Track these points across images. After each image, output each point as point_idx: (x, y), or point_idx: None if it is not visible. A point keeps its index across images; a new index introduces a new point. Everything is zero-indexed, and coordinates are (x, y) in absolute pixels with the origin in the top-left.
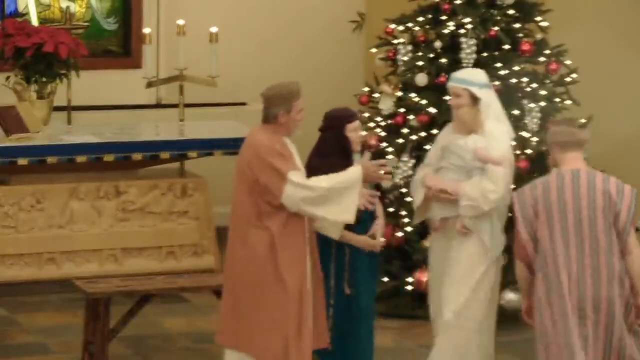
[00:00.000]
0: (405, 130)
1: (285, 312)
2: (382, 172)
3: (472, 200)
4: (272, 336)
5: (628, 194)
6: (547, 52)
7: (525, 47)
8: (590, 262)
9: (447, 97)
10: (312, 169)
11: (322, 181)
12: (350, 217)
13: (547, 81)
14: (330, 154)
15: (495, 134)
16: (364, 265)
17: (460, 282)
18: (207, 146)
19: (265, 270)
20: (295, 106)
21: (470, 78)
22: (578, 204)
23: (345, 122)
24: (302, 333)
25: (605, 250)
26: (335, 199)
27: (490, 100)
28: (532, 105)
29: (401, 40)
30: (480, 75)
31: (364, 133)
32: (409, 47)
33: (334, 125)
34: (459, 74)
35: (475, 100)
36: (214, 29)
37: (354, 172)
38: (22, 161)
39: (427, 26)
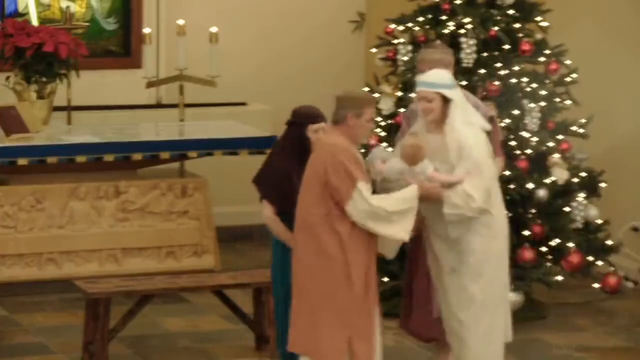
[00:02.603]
0: None
1: (351, 312)
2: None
3: (456, 207)
4: (337, 337)
5: None
6: (547, 52)
7: (525, 47)
8: None
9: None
10: (268, 165)
11: (386, 203)
12: (406, 237)
13: (547, 81)
14: (287, 147)
15: (469, 142)
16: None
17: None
18: (207, 146)
19: (336, 273)
20: (366, 113)
21: (440, 81)
22: None
23: (308, 122)
24: (368, 332)
25: None
26: (396, 220)
27: (458, 98)
28: (532, 105)
29: (401, 40)
30: (447, 76)
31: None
32: (409, 47)
33: (297, 122)
34: (427, 78)
35: (446, 101)
36: (214, 29)
37: (411, 192)
38: (22, 161)
39: (427, 26)
